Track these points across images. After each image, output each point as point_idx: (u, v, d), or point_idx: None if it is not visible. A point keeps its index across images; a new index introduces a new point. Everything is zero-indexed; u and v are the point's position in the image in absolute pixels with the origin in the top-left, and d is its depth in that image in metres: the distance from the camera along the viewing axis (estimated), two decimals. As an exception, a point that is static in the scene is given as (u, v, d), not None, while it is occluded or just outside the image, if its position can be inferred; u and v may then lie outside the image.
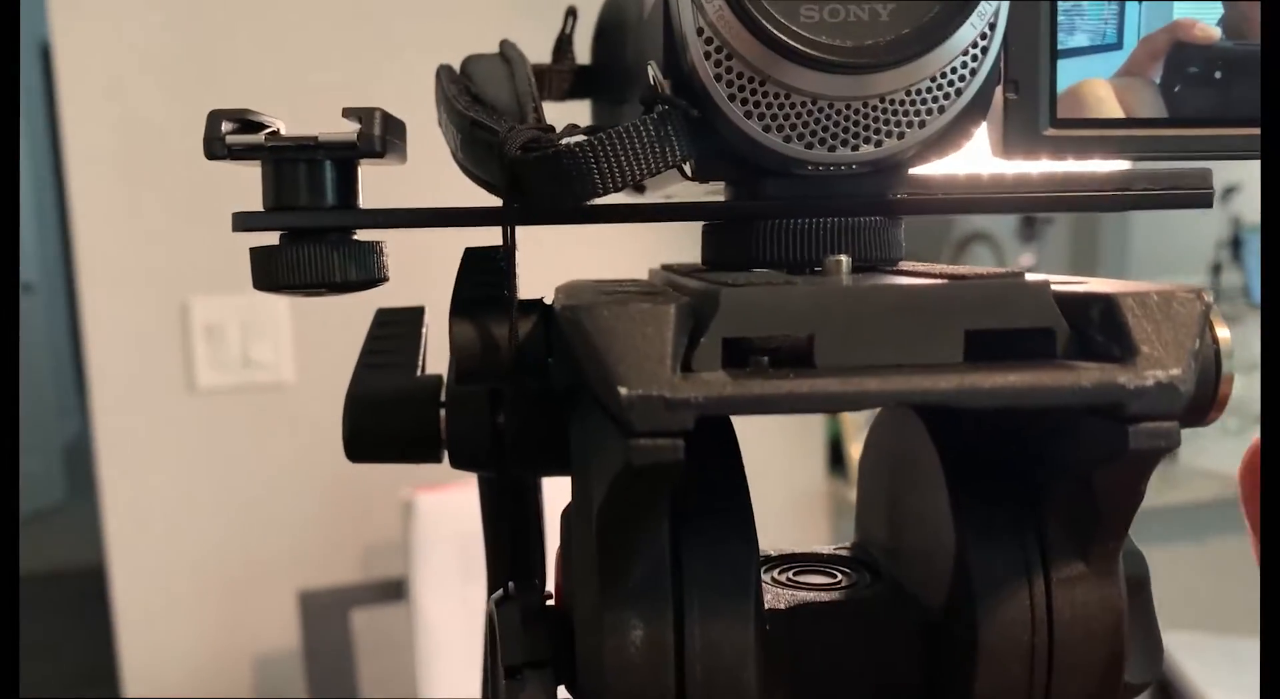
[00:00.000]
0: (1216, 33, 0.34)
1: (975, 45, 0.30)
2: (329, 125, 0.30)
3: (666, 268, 0.38)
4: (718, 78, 0.30)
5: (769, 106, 0.30)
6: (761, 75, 0.29)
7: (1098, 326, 0.26)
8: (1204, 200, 0.33)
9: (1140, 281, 0.28)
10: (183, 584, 1.40)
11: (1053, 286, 0.27)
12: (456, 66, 0.39)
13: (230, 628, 1.41)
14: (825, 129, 0.30)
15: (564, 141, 0.29)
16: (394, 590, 1.34)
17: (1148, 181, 0.33)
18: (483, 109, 0.34)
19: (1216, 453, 1.74)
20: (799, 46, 0.28)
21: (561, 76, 0.45)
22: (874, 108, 0.30)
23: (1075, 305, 0.27)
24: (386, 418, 0.34)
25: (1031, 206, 0.33)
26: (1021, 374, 0.25)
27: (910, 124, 0.30)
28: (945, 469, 0.31)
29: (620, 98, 0.41)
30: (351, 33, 1.36)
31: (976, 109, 0.31)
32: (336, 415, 0.34)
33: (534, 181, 0.30)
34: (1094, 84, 0.34)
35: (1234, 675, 1.39)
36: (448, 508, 1.24)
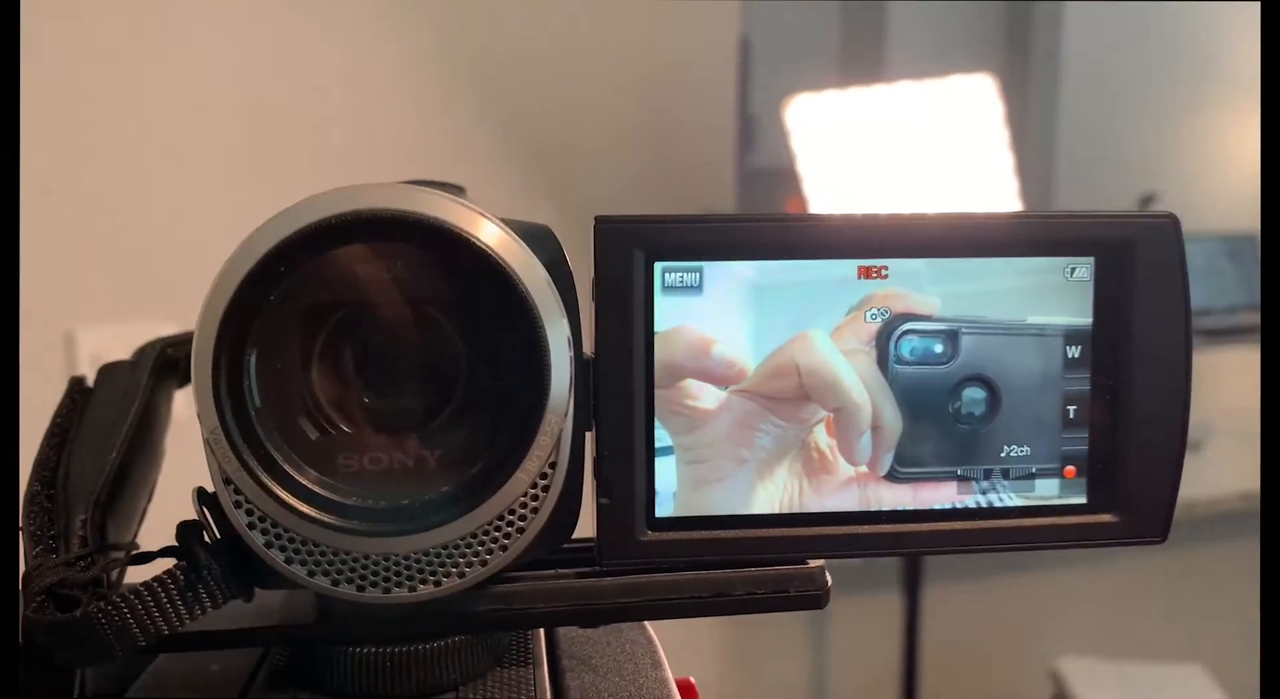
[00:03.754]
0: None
1: (535, 486, 0.27)
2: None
3: None
4: (250, 527, 0.27)
5: (309, 555, 0.27)
6: (291, 532, 0.27)
7: None
8: (816, 602, 0.31)
9: None
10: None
11: None
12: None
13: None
14: (374, 576, 0.27)
15: (81, 608, 0.27)
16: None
17: (751, 585, 0.30)
18: (46, 498, 0.31)
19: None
20: (317, 513, 0.26)
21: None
22: (425, 556, 0.27)
23: None
24: None
25: (627, 615, 0.31)
26: None
27: (470, 565, 0.28)
28: None
29: None
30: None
31: (553, 533, 0.29)
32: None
33: (48, 643, 0.27)
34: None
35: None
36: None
